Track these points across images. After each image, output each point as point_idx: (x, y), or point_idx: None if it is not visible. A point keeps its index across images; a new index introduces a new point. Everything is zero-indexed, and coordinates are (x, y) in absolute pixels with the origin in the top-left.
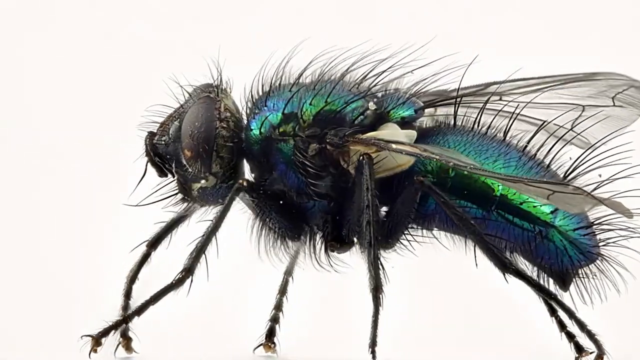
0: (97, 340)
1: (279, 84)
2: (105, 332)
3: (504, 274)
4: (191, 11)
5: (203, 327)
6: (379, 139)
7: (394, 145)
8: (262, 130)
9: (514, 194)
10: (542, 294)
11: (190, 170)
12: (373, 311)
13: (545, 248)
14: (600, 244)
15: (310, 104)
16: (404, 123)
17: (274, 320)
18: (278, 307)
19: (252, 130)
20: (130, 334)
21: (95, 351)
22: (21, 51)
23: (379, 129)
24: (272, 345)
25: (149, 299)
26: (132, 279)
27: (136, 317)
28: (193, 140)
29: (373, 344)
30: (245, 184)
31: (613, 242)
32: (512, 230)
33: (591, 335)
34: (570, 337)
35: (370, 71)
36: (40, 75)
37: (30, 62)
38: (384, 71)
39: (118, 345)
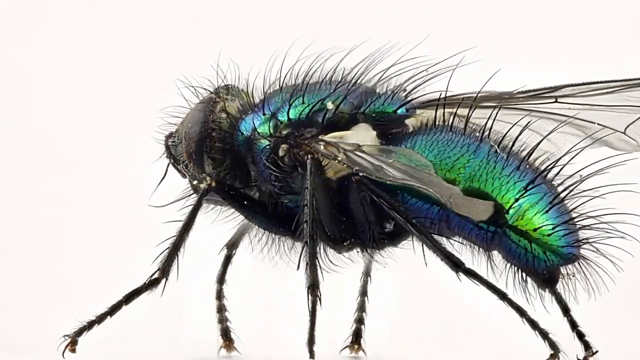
0: (73, 340)
1: (269, 86)
2: (79, 332)
3: (456, 273)
4: (193, 11)
5: (288, 329)
6: (322, 140)
7: (321, 148)
8: (244, 131)
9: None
10: (493, 293)
11: (190, 170)
12: (310, 309)
13: (507, 248)
14: (580, 243)
15: (289, 105)
16: (379, 124)
17: (359, 321)
18: (361, 308)
19: (238, 131)
20: (232, 335)
21: (73, 350)
22: (22, 52)
23: (351, 130)
24: (358, 347)
25: (121, 299)
26: (221, 280)
27: (108, 318)
28: (186, 141)
29: (310, 342)
30: (213, 184)
31: (593, 242)
32: (472, 230)
33: (543, 335)
34: (580, 336)
35: (362, 71)
36: (41, 74)
37: (30, 63)
38: (373, 71)
39: (220, 347)
